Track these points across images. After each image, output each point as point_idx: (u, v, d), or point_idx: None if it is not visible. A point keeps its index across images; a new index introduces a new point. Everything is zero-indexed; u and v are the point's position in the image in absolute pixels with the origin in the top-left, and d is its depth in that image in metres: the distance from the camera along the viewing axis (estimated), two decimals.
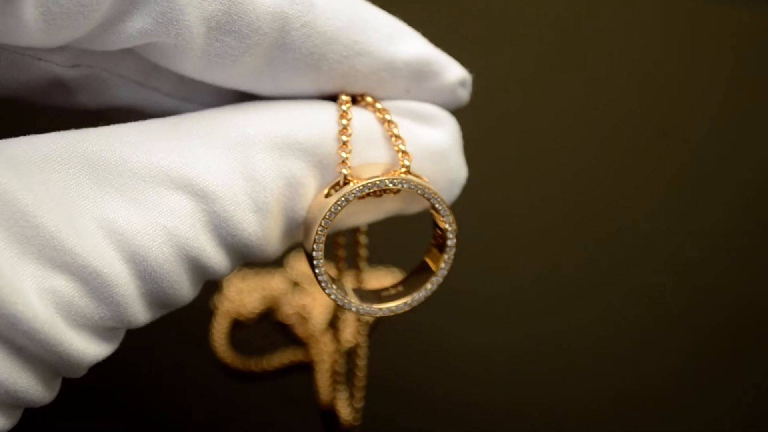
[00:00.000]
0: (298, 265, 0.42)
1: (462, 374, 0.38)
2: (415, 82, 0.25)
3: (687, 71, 0.53)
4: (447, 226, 0.25)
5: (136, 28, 0.22)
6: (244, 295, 0.40)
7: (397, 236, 0.36)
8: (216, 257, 0.23)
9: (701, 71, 0.53)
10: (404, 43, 0.25)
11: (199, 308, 0.40)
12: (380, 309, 0.25)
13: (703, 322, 0.40)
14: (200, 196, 0.22)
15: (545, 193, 0.46)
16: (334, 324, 0.33)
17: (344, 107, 0.24)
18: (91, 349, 0.22)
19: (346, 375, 0.37)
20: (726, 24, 0.55)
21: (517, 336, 0.40)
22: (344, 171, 0.24)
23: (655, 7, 0.56)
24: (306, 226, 0.24)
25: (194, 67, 0.24)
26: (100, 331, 0.22)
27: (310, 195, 0.24)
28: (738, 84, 0.52)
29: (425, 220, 0.26)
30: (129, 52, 0.24)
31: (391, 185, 0.24)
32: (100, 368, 0.37)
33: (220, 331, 0.39)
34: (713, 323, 0.40)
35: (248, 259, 0.24)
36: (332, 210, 0.23)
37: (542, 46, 0.54)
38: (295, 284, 0.41)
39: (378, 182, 0.24)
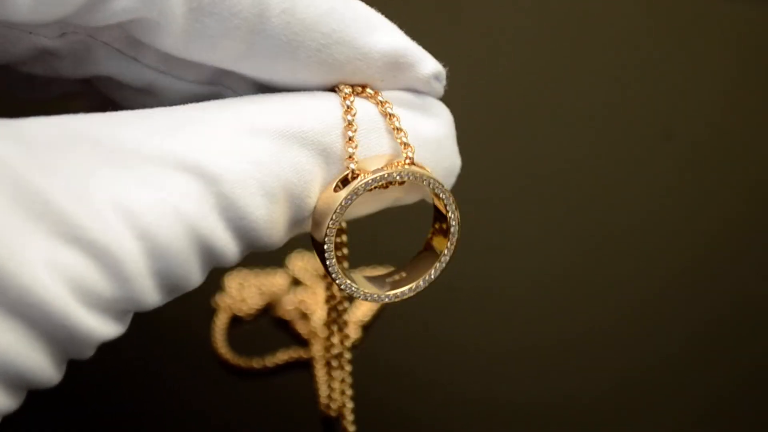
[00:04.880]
0: (300, 263, 0.42)
1: (463, 368, 0.38)
2: (390, 73, 0.26)
3: (691, 73, 0.53)
4: (450, 214, 0.26)
5: (121, 5, 0.23)
6: (244, 292, 0.40)
7: (379, 235, 0.37)
8: (224, 240, 0.23)
9: (706, 74, 0.53)
10: (381, 33, 0.25)
11: (199, 306, 0.40)
12: (387, 296, 0.26)
13: (704, 322, 0.40)
14: (209, 179, 0.23)
15: (546, 193, 0.46)
16: (335, 320, 0.33)
17: (348, 102, 0.25)
18: (100, 327, 0.22)
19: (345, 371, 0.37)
20: (731, 25, 0.55)
21: (517, 331, 0.40)
22: (352, 166, 0.25)
23: (659, 9, 0.57)
24: (315, 219, 0.25)
25: (175, 45, 0.24)
26: (110, 309, 0.22)
27: (316, 183, 0.25)
28: (743, 87, 0.52)
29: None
30: (115, 26, 0.25)
31: (398, 177, 0.25)
32: (100, 365, 0.37)
33: (220, 328, 0.39)
34: (714, 323, 0.40)
35: (256, 246, 0.24)
36: (343, 204, 0.24)
37: (543, 48, 0.54)
38: (296, 282, 0.41)
39: (386, 175, 0.25)
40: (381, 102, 0.25)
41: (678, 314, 0.40)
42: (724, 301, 0.41)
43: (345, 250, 0.29)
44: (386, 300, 0.26)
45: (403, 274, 0.27)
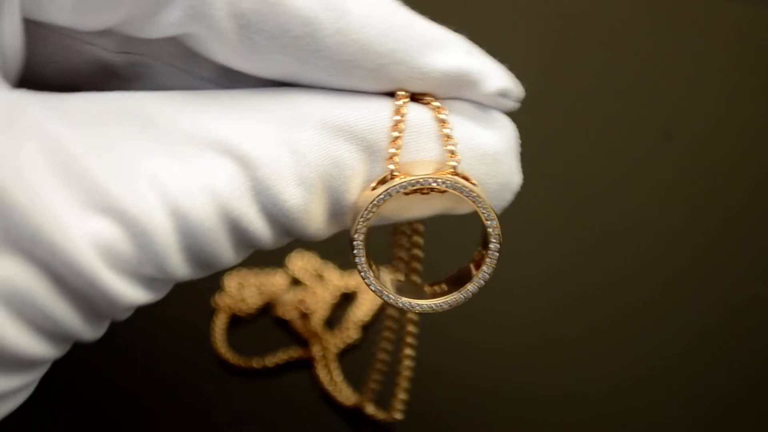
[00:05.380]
0: (300, 262, 0.42)
1: (465, 366, 0.38)
2: (451, 89, 0.25)
3: (691, 74, 0.53)
4: (490, 230, 0.25)
5: (170, 20, 0.23)
6: (244, 292, 0.40)
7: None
8: (257, 223, 0.23)
9: (706, 74, 0.53)
10: (443, 52, 0.25)
11: (199, 306, 0.40)
12: (420, 305, 0.26)
13: (705, 322, 0.40)
14: (244, 162, 0.23)
15: (546, 193, 0.46)
16: (337, 320, 0.33)
17: (399, 102, 0.24)
18: (130, 292, 0.22)
19: (347, 371, 0.37)
20: (731, 25, 0.55)
21: (519, 329, 0.40)
22: (391, 167, 0.24)
23: (659, 9, 0.57)
24: (353, 215, 0.25)
25: (227, 58, 0.24)
26: (136, 275, 0.22)
27: (358, 179, 0.24)
28: (743, 87, 0.52)
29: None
30: (172, 40, 0.25)
31: (434, 185, 0.24)
32: (100, 365, 0.37)
33: (220, 328, 0.39)
34: (716, 323, 0.40)
35: (294, 234, 0.24)
36: (375, 202, 0.24)
37: (543, 48, 0.54)
38: (296, 282, 0.42)
39: (422, 180, 0.24)
40: (436, 107, 0.25)
41: (678, 314, 0.40)
42: (725, 300, 0.41)
43: (417, 251, 0.29)
44: (418, 309, 0.26)
45: (444, 287, 0.27)
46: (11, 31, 0.24)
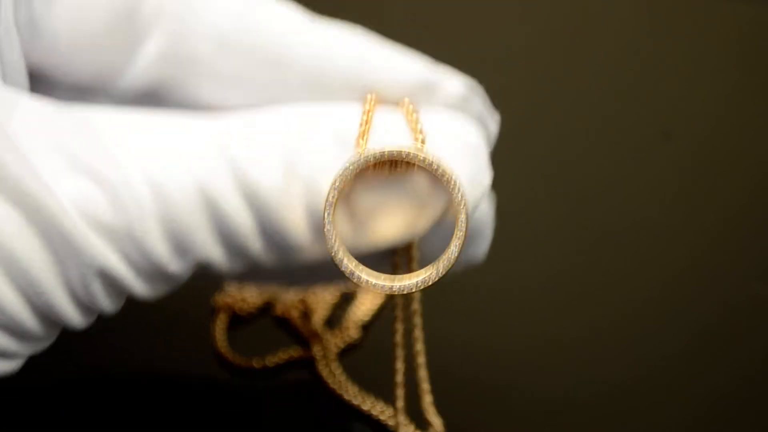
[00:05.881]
0: None
1: (464, 366, 0.38)
2: (418, 99, 0.26)
3: (691, 74, 0.53)
4: (459, 207, 0.24)
5: (146, 59, 0.26)
6: (244, 291, 0.40)
7: None
8: (234, 204, 0.24)
9: (706, 74, 0.53)
10: (403, 65, 0.27)
11: (199, 305, 0.40)
12: (392, 286, 0.25)
13: (705, 322, 0.40)
14: (224, 145, 0.24)
15: (546, 193, 0.46)
16: (337, 319, 0.33)
17: (369, 97, 0.25)
18: (103, 250, 0.23)
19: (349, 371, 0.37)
20: (731, 25, 0.55)
21: (518, 330, 0.40)
22: (359, 150, 0.24)
23: (658, 8, 0.57)
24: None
25: (202, 91, 0.27)
26: (114, 240, 0.23)
27: (330, 170, 0.24)
28: (743, 87, 0.52)
29: None
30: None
31: (404, 157, 0.24)
32: (100, 364, 0.37)
33: (220, 327, 0.39)
34: (716, 323, 0.40)
35: (274, 229, 0.24)
36: (348, 168, 0.23)
37: (543, 48, 0.54)
38: None
39: (392, 152, 0.23)
40: (407, 104, 0.25)
41: (678, 314, 0.40)
42: (725, 300, 0.41)
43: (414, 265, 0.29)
44: (386, 290, 0.24)
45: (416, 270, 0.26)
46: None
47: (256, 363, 0.38)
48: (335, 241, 0.24)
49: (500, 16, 0.56)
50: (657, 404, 0.37)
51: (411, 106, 0.26)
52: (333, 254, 0.24)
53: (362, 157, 0.24)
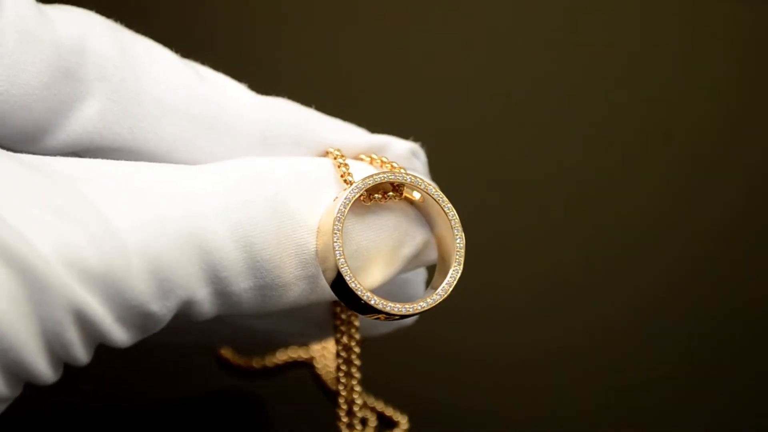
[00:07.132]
0: None
1: (462, 375, 0.38)
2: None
3: (691, 74, 0.53)
4: (452, 218, 0.25)
5: (87, 114, 0.25)
6: None
7: None
8: (225, 248, 0.23)
9: (706, 74, 0.53)
10: (349, 132, 0.28)
11: None
12: (404, 308, 0.25)
13: (706, 322, 0.40)
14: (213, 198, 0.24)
15: (546, 194, 0.46)
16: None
17: (333, 151, 0.26)
18: (91, 301, 0.22)
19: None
20: (731, 25, 0.55)
21: (517, 336, 0.40)
22: (350, 178, 0.25)
23: (658, 8, 0.57)
24: (320, 228, 0.25)
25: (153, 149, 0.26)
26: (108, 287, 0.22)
27: (312, 204, 0.25)
28: (743, 87, 0.52)
29: None
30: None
31: (395, 178, 0.25)
32: (99, 365, 0.37)
33: None
34: (716, 323, 0.40)
35: (260, 257, 0.24)
36: (345, 201, 0.24)
37: (543, 48, 0.54)
38: None
39: (385, 175, 0.25)
40: (334, 155, 0.26)
41: (678, 314, 0.41)
42: (725, 300, 0.41)
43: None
44: (394, 312, 0.25)
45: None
46: None
47: (256, 363, 0.38)
48: (354, 280, 0.24)
49: (500, 15, 0.56)
50: (657, 404, 0.37)
51: (338, 155, 0.26)
52: (352, 287, 0.24)
53: (361, 182, 0.24)
